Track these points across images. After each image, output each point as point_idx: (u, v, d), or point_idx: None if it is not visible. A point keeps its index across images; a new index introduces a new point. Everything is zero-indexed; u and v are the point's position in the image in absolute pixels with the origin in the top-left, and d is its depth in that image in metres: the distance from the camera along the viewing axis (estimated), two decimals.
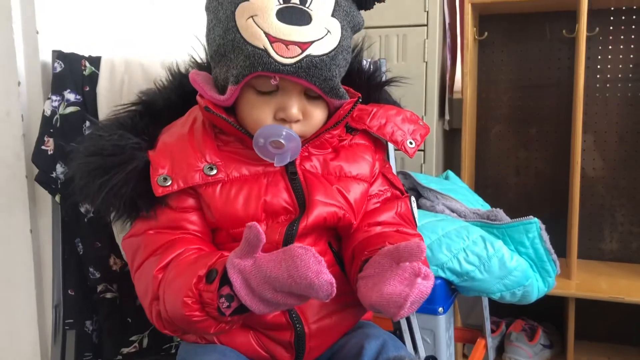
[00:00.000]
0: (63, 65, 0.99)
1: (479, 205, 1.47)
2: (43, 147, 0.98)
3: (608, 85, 2.01)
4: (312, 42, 0.70)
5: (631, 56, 1.97)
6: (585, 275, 1.91)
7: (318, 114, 0.77)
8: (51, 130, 0.98)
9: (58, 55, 0.99)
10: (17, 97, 1.00)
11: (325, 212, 0.76)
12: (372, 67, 0.92)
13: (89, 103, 1.01)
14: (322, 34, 0.71)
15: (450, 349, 1.33)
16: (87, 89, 1.01)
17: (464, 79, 1.95)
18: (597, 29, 1.92)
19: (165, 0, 1.29)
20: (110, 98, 1.00)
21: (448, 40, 1.98)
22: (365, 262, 0.73)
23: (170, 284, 0.69)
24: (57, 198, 0.99)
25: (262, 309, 0.64)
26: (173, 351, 1.08)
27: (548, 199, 2.11)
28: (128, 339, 1.05)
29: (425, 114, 1.90)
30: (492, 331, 2.00)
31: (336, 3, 0.74)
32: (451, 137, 2.13)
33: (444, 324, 1.25)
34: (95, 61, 1.02)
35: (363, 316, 0.87)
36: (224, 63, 0.74)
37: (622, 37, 1.97)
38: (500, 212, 1.32)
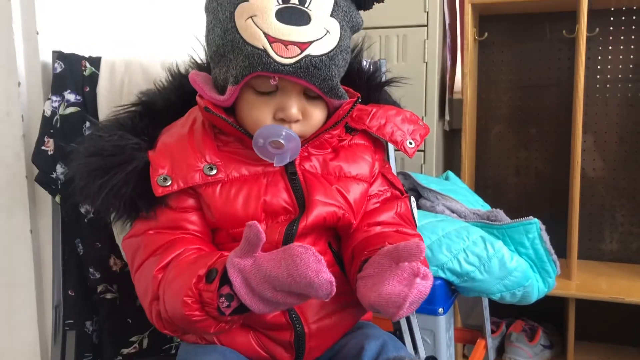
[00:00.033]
0: (63, 66, 0.99)
1: (479, 205, 1.47)
2: (43, 148, 0.98)
3: (608, 85, 2.01)
4: (311, 42, 0.70)
5: (631, 56, 1.97)
6: (585, 275, 1.91)
7: (317, 114, 0.77)
8: (51, 131, 0.98)
9: (58, 55, 0.99)
10: (17, 98, 1.00)
11: (324, 212, 0.76)
12: (372, 67, 0.92)
13: (89, 103, 1.01)
14: (321, 34, 0.71)
15: (451, 349, 1.33)
16: (87, 89, 1.01)
17: (464, 80, 1.95)
18: (597, 29, 1.92)
19: (165, 1, 1.29)
20: (111, 98, 1.00)
21: (448, 40, 1.98)
22: (364, 262, 0.73)
23: (170, 283, 0.69)
24: (57, 198, 0.99)
25: (262, 308, 0.64)
26: (173, 352, 1.08)
27: (548, 199, 2.11)
28: (128, 339, 1.05)
29: (425, 115, 1.90)
30: (492, 332, 2.00)
31: (335, 3, 0.74)
32: (451, 138, 2.13)
33: (444, 325, 1.25)
34: (96, 62, 1.02)
35: (363, 316, 0.87)
36: (224, 63, 0.74)
37: (622, 37, 1.97)
38: (500, 213, 1.32)
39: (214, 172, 0.76)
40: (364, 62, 0.91)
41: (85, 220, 1.00)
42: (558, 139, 2.07)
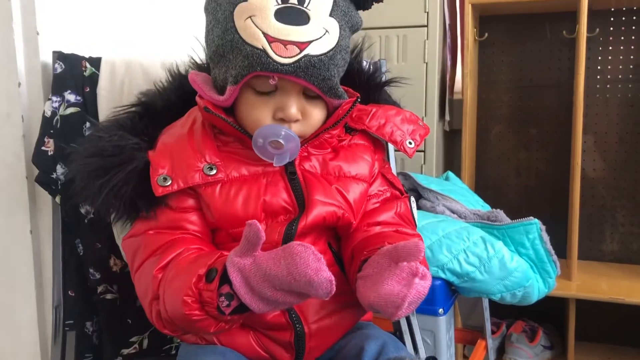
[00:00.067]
0: (63, 66, 0.99)
1: (479, 206, 1.47)
2: (43, 148, 0.98)
3: (608, 86, 2.01)
4: (311, 41, 0.70)
5: (631, 57, 1.97)
6: (585, 276, 1.91)
7: (317, 114, 0.77)
8: (51, 131, 0.98)
9: (58, 56, 0.99)
10: (18, 98, 1.00)
11: (324, 211, 0.76)
12: (372, 67, 0.92)
13: (89, 104, 1.01)
14: (320, 33, 0.71)
15: (451, 350, 1.33)
16: (88, 89, 1.01)
17: (464, 80, 1.95)
18: (598, 29, 1.92)
19: (166, 1, 1.29)
20: (111, 99, 1.00)
21: (448, 41, 1.98)
22: (364, 261, 0.73)
23: (170, 283, 0.69)
24: (57, 199, 0.99)
25: (261, 307, 0.64)
26: (173, 352, 1.08)
27: (548, 199, 2.11)
28: (128, 340, 1.05)
29: (425, 115, 1.90)
30: (493, 332, 2.00)
31: (334, 3, 0.74)
32: (451, 138, 2.13)
33: (445, 325, 1.25)
34: (96, 62, 1.02)
35: (363, 317, 0.87)
36: (223, 63, 0.74)
37: (622, 37, 1.97)
38: (500, 213, 1.32)
39: (214, 172, 0.76)
40: (364, 63, 0.91)
41: (86, 221, 1.00)
42: (558, 140, 2.07)
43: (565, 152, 1.94)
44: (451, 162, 2.14)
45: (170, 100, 0.86)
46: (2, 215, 1.04)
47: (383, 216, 0.82)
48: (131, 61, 1.03)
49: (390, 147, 1.03)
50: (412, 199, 0.86)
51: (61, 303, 1.01)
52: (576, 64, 1.82)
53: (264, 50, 0.69)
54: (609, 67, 2.00)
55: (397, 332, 0.99)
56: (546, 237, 1.24)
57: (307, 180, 0.78)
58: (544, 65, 2.06)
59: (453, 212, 1.38)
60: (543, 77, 2.07)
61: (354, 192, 0.80)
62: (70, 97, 0.99)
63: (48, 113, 0.98)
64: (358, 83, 0.87)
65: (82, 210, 1.00)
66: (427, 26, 1.87)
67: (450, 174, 1.64)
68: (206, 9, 0.78)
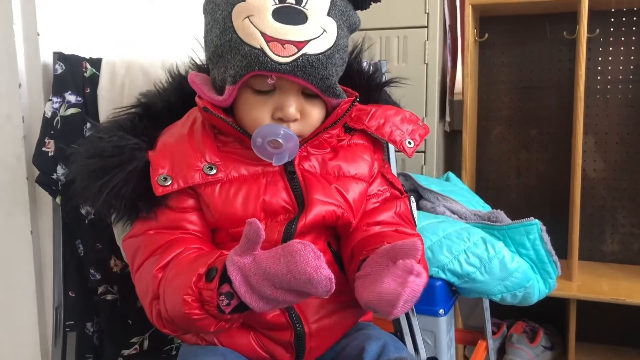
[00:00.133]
0: (64, 67, 0.99)
1: (480, 206, 1.47)
2: (44, 149, 0.98)
3: (609, 86, 2.01)
4: (308, 41, 0.71)
5: (632, 58, 1.97)
6: (586, 276, 1.91)
7: (316, 113, 0.77)
8: (52, 132, 0.98)
9: (59, 57, 0.99)
10: (18, 99, 1.00)
11: (323, 210, 0.77)
12: (372, 68, 0.92)
13: (89, 105, 1.01)
14: (318, 33, 0.72)
15: (451, 350, 1.33)
16: (88, 90, 1.01)
17: (464, 81, 1.95)
18: (598, 30, 1.92)
19: (166, 2, 1.29)
20: (111, 99, 1.00)
21: (449, 41, 1.98)
22: (363, 261, 0.73)
23: (170, 282, 0.69)
24: (58, 199, 0.99)
25: (261, 306, 0.64)
26: (174, 353, 1.08)
27: (549, 200, 2.11)
28: (129, 340, 1.05)
29: (425, 116, 1.90)
30: (493, 333, 2.00)
31: (332, 2, 0.74)
32: (452, 139, 2.13)
33: (445, 326, 1.25)
34: (96, 63, 1.02)
35: (363, 317, 0.87)
36: (222, 64, 0.74)
37: (622, 38, 1.97)
38: (501, 214, 1.32)
39: (214, 171, 0.76)
40: (364, 63, 0.91)
41: (86, 222, 1.00)
42: (559, 140, 2.07)
43: (566, 153, 1.94)
44: (451, 163, 2.14)
45: (170, 101, 0.86)
46: (3, 216, 1.04)
47: (382, 216, 0.83)
48: (131, 62, 1.03)
49: (391, 147, 1.03)
50: (412, 198, 0.86)
51: (62, 304, 1.01)
52: (576, 65, 1.82)
53: (261, 50, 0.69)
54: (609, 67, 2.00)
55: (398, 333, 0.99)
56: (547, 238, 1.24)
57: (306, 179, 0.78)
58: (545, 66, 2.06)
59: (453, 212, 1.38)
60: (543, 77, 2.07)
61: (354, 191, 0.80)
62: (71, 97, 1.00)
63: (48, 114, 0.98)
64: (358, 83, 0.87)
65: (83, 211, 1.00)
66: (427, 27, 1.87)
67: (451, 174, 1.64)
68: (205, 10, 0.78)
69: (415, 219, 0.85)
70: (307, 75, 0.71)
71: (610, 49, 1.99)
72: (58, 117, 0.98)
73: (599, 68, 2.00)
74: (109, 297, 1.03)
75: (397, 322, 0.99)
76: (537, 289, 1.24)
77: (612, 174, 2.04)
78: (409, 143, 0.85)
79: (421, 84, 1.89)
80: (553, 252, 1.24)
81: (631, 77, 1.98)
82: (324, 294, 0.61)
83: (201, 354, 0.77)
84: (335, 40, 0.73)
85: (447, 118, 2.01)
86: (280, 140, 0.73)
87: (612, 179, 2.04)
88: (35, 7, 0.98)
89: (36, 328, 1.06)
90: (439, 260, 1.20)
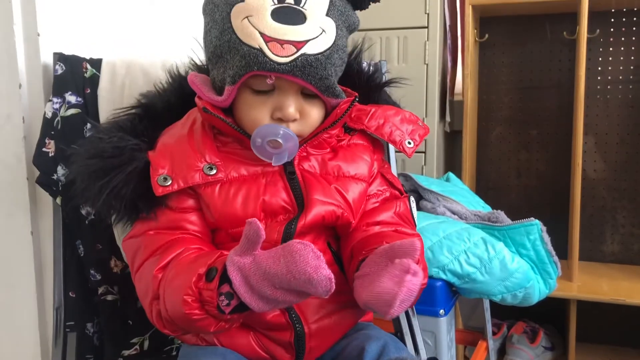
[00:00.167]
0: (64, 68, 0.99)
1: (480, 207, 1.47)
2: (44, 149, 0.98)
3: (609, 87, 2.01)
4: (307, 41, 0.71)
5: (632, 58, 1.97)
6: (586, 277, 1.91)
7: (315, 113, 0.77)
8: (52, 133, 0.98)
9: (59, 57, 0.99)
10: (19, 99, 1.00)
11: (323, 210, 0.77)
12: (372, 68, 0.92)
13: (90, 105, 1.01)
14: (317, 33, 0.72)
15: (452, 351, 1.33)
16: (89, 91, 1.01)
17: (464, 81, 1.95)
18: (598, 30, 1.92)
19: (166, 3, 1.29)
20: (112, 100, 1.00)
21: (449, 42, 1.98)
22: (362, 261, 0.73)
23: (170, 282, 0.69)
24: (58, 200, 0.99)
25: (261, 306, 0.64)
26: (174, 353, 1.08)
27: (549, 200, 2.11)
28: (129, 341, 1.05)
29: (426, 116, 1.90)
30: (494, 333, 2.00)
31: (331, 3, 0.75)
32: (452, 139, 2.13)
33: (445, 326, 1.25)
34: (97, 63, 1.02)
35: (363, 317, 0.87)
36: (221, 64, 0.74)
37: (622, 38, 1.97)
38: (501, 214, 1.32)
39: (214, 171, 0.76)
40: (364, 64, 0.91)
41: (86, 222, 1.00)
42: (559, 141, 2.07)
43: (566, 153, 1.94)
44: (452, 163, 2.14)
45: (170, 101, 0.87)
46: (3, 216, 1.04)
47: (382, 216, 0.83)
48: (132, 62, 1.03)
49: (392, 148, 1.03)
50: (412, 198, 0.86)
51: (62, 304, 1.01)
52: (576, 65, 1.82)
53: (260, 50, 0.69)
54: (610, 68, 2.00)
55: (398, 333, 0.99)
56: (547, 238, 1.24)
57: (306, 180, 0.78)
58: (545, 66, 2.07)
59: (454, 213, 1.38)
60: (543, 78, 2.07)
61: (353, 191, 0.80)
62: (71, 98, 1.00)
63: (49, 114, 0.98)
64: (358, 84, 0.87)
65: (83, 212, 1.00)
66: (427, 27, 1.87)
67: (451, 175, 1.64)
68: (204, 11, 0.78)
69: (415, 219, 0.85)
70: (306, 75, 0.71)
71: (611, 49, 1.99)
72: (58, 118, 0.98)
73: (599, 68, 2.00)
74: (109, 297, 1.03)
75: (397, 322, 0.99)
76: (537, 290, 1.24)
77: (612, 174, 2.04)
78: (409, 143, 0.85)
79: (421, 85, 1.89)
80: (553, 253, 1.24)
81: (631, 77, 1.98)
82: (324, 294, 0.61)
83: (201, 355, 0.77)
84: (334, 41, 0.73)
85: (447, 118, 2.01)
86: (279, 140, 0.73)
87: (612, 179, 2.04)
88: (35, 8, 0.98)
89: (36, 328, 1.06)
90: (440, 261, 1.20)
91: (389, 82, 0.93)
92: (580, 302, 1.86)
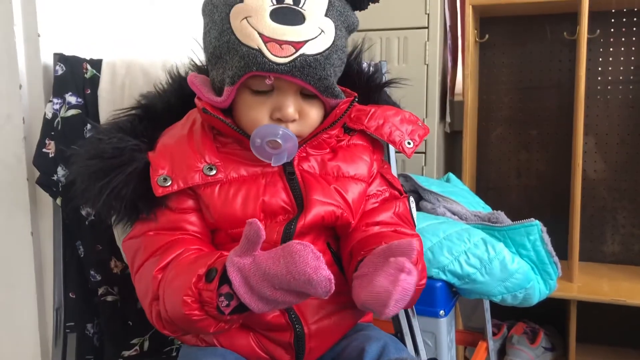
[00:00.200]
0: (64, 68, 0.99)
1: (480, 207, 1.47)
2: (44, 150, 0.98)
3: (609, 87, 2.01)
4: (306, 41, 0.71)
5: (632, 58, 1.97)
6: (586, 277, 1.90)
7: (314, 114, 0.77)
8: (52, 133, 0.98)
9: (59, 58, 0.99)
10: (19, 100, 1.00)
11: (323, 211, 0.77)
12: (372, 68, 0.92)
13: (90, 106, 1.01)
14: (316, 33, 0.72)
15: (452, 351, 1.33)
16: (89, 91, 1.01)
17: (464, 81, 1.95)
18: (598, 31, 1.92)
19: (167, 3, 1.29)
20: (112, 100, 1.00)
21: (449, 42, 1.98)
22: (360, 261, 0.73)
23: (170, 283, 0.69)
24: (58, 201, 0.99)
25: (261, 307, 0.64)
26: (174, 354, 1.08)
27: (549, 201, 2.11)
28: (129, 341, 1.05)
29: (426, 116, 1.90)
30: (494, 334, 2.00)
31: (329, 3, 0.75)
32: (452, 140, 2.13)
33: (446, 327, 1.24)
34: (97, 64, 1.02)
35: (363, 318, 0.87)
36: (220, 65, 0.75)
37: (623, 39, 1.97)
38: (501, 215, 1.32)
39: (214, 172, 0.76)
40: (364, 64, 0.91)
41: (86, 223, 1.00)
42: (559, 141, 2.07)
43: (566, 153, 1.94)
44: (452, 164, 2.14)
45: (170, 102, 0.87)
46: (3, 217, 1.04)
47: (381, 216, 0.83)
48: (132, 63, 1.03)
49: (392, 148, 1.03)
50: (411, 199, 0.86)
51: (62, 305, 1.01)
52: (577, 65, 1.82)
53: (259, 50, 0.70)
54: (610, 68, 2.00)
55: (398, 334, 0.99)
56: (547, 239, 1.24)
57: (305, 180, 0.78)
58: (545, 66, 2.07)
59: (454, 213, 1.38)
60: (544, 78, 2.07)
61: (353, 192, 0.81)
62: (71, 99, 1.00)
63: (49, 115, 0.98)
64: (357, 84, 0.87)
65: (83, 212, 1.00)
66: (427, 28, 1.87)
67: (451, 175, 1.64)
68: (203, 11, 0.78)
69: (415, 219, 0.85)
70: (304, 75, 0.71)
71: (611, 49, 1.99)
72: (58, 118, 0.98)
73: (599, 69, 2.00)
74: (109, 298, 1.03)
75: (397, 323, 0.99)
76: (537, 290, 1.24)
77: (613, 175, 2.04)
78: (408, 143, 0.85)
79: (421, 85, 1.89)
80: (553, 253, 1.24)
81: (631, 77, 1.98)
82: (324, 295, 0.61)
83: (201, 355, 0.77)
84: (333, 41, 0.73)
85: (448, 119, 2.01)
86: (278, 141, 0.73)
87: (613, 180, 2.04)
88: (35, 8, 0.98)
89: (36, 329, 1.06)
90: (440, 262, 1.20)
91: (389, 83, 0.93)
92: (581, 303, 1.86)
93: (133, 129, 0.81)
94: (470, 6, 1.83)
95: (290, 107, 0.74)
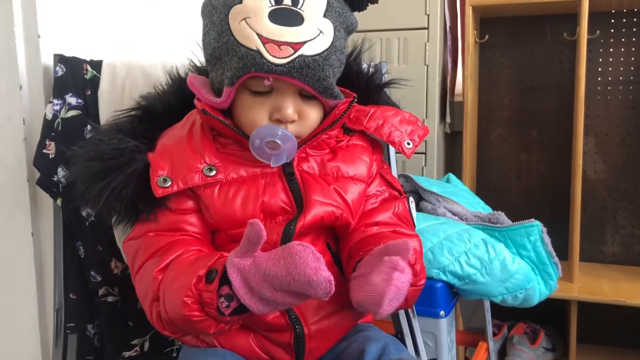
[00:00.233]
0: (65, 69, 0.99)
1: (481, 208, 1.47)
2: (44, 151, 0.98)
3: (609, 87, 2.01)
4: (305, 42, 0.71)
5: (632, 59, 1.97)
6: (587, 278, 1.90)
7: (313, 114, 0.77)
8: (52, 134, 0.98)
9: (60, 59, 0.99)
10: (19, 101, 1.00)
11: (322, 211, 0.77)
12: (371, 69, 0.92)
13: (90, 107, 1.01)
14: (315, 34, 0.72)
15: (452, 352, 1.33)
16: (89, 92, 1.01)
17: (465, 82, 1.95)
18: (598, 31, 1.92)
19: (167, 4, 1.29)
20: (112, 101, 1.00)
21: (449, 43, 1.98)
22: (359, 262, 0.73)
23: (170, 284, 0.69)
24: (59, 201, 0.99)
25: (261, 308, 0.64)
26: (174, 355, 1.08)
27: (549, 201, 2.11)
28: (129, 342, 1.05)
29: (426, 117, 1.90)
30: (494, 334, 2.00)
31: (328, 4, 0.75)
32: (452, 140, 2.13)
33: (446, 327, 1.24)
34: (97, 65, 1.02)
35: (363, 318, 0.87)
36: (219, 66, 0.75)
37: (623, 39, 1.97)
38: (501, 215, 1.32)
39: (214, 173, 0.76)
40: (364, 65, 0.91)
41: (87, 224, 1.01)
42: (559, 142, 2.07)
43: (566, 154, 1.94)
44: (452, 164, 2.14)
45: (169, 103, 0.87)
46: (4, 218, 1.04)
47: (381, 216, 0.83)
48: (132, 64, 1.03)
49: (392, 149, 1.03)
50: (411, 199, 0.86)
51: (62, 306, 1.01)
52: (577, 66, 1.82)
53: (258, 51, 0.70)
54: (610, 68, 2.00)
55: (399, 334, 0.99)
56: (547, 239, 1.24)
57: (305, 180, 0.78)
58: (545, 67, 2.07)
59: (454, 214, 1.38)
60: (544, 79, 2.07)
61: (352, 192, 0.81)
62: (72, 100, 1.00)
63: (49, 116, 0.98)
64: (357, 85, 0.88)
65: (84, 213, 1.00)
66: (427, 28, 1.87)
67: (451, 176, 1.64)
68: (202, 12, 0.78)
69: (414, 220, 0.85)
70: (303, 76, 0.71)
71: (611, 50, 1.99)
72: (59, 119, 0.99)
73: (600, 69, 2.00)
74: (109, 299, 1.03)
75: (397, 323, 0.99)
76: (537, 291, 1.24)
77: (613, 175, 2.04)
78: (408, 144, 0.85)
79: (421, 86, 1.89)
80: (554, 254, 1.24)
81: (631, 78, 1.98)
82: (324, 296, 0.61)
83: (201, 356, 0.77)
84: (332, 42, 0.74)
85: (448, 119, 2.01)
86: (277, 141, 0.73)
87: (613, 180, 2.04)
88: (36, 9, 0.98)
89: (37, 330, 1.06)
90: (440, 262, 1.20)
91: (388, 83, 0.93)
92: (581, 303, 1.86)
93: (133, 130, 0.82)
94: (470, 7, 1.83)
95: (289, 108, 0.74)
